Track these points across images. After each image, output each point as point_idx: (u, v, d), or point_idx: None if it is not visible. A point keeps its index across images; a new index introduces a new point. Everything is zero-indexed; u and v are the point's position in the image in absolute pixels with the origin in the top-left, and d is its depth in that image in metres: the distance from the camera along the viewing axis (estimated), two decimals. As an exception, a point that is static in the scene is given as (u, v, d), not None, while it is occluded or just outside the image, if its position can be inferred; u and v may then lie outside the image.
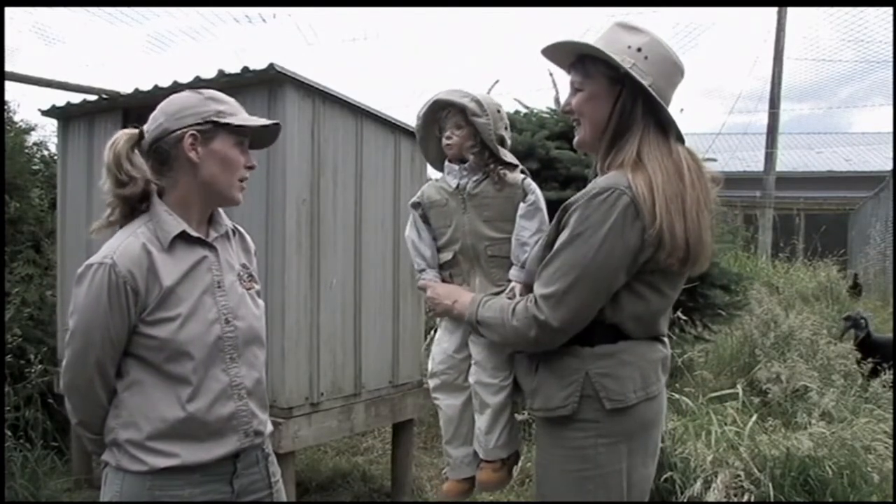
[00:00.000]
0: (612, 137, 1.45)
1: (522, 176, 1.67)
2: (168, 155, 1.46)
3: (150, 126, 1.47)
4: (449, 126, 1.68)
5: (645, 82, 1.40)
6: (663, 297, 1.45)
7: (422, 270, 1.73)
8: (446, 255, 1.70)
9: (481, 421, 1.63)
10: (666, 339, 1.53)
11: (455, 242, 1.67)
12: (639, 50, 1.43)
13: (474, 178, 1.66)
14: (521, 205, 1.62)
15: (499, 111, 1.68)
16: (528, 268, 1.54)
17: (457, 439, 1.70)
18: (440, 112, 1.70)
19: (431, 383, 1.72)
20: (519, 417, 2.18)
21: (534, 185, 1.66)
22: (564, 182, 4.27)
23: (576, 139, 1.55)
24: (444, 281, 1.71)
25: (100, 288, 1.37)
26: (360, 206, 3.27)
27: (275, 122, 1.56)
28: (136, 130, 1.48)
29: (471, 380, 1.63)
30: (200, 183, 1.47)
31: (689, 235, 1.36)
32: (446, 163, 1.71)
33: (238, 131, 1.50)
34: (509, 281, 1.62)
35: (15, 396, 3.69)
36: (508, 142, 1.72)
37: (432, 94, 1.71)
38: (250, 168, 1.53)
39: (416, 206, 1.75)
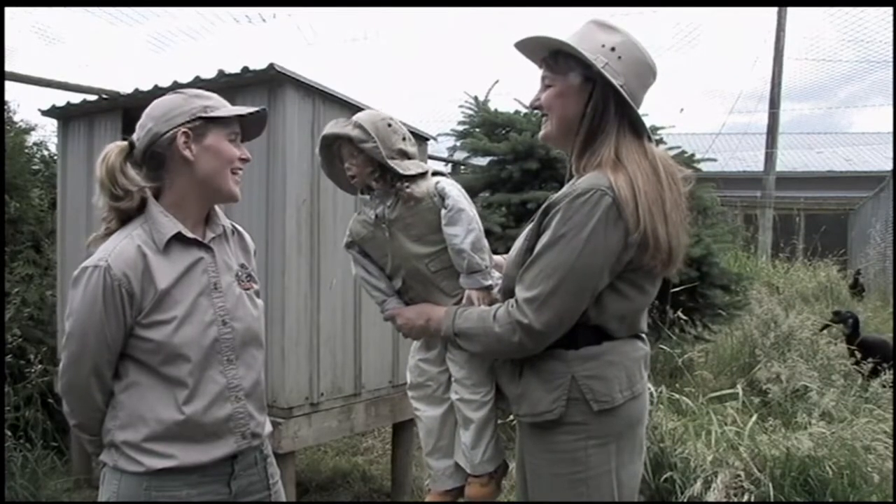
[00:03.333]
0: (586, 137, 1.44)
1: (435, 180, 1.60)
2: (163, 158, 1.46)
3: (140, 133, 1.47)
4: (345, 157, 1.64)
5: (617, 82, 1.39)
6: (645, 294, 1.45)
7: (383, 302, 1.70)
8: (398, 283, 1.67)
9: (466, 437, 1.60)
10: (645, 336, 1.53)
11: (398, 269, 1.64)
12: (612, 49, 1.42)
13: (388, 203, 1.61)
14: (443, 212, 1.56)
15: (390, 125, 1.62)
16: (507, 272, 1.52)
17: (437, 451, 1.68)
18: (333, 145, 1.66)
19: (411, 394, 1.71)
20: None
21: (448, 187, 1.58)
22: (564, 182, 4.27)
23: (541, 133, 1.54)
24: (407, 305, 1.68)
25: (95, 291, 1.37)
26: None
27: (261, 108, 1.55)
28: (126, 142, 1.48)
29: (452, 397, 1.61)
30: (198, 181, 1.47)
31: (671, 238, 1.37)
32: (359, 194, 1.68)
33: (229, 124, 1.49)
34: (463, 289, 1.59)
35: (15, 396, 3.69)
36: (411, 149, 1.64)
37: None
38: (245, 160, 1.53)
39: (350, 245, 1.71)
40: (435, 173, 1.64)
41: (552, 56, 1.47)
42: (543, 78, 1.50)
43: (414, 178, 1.59)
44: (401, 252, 1.61)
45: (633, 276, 1.40)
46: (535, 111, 1.74)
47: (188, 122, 1.45)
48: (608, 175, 1.35)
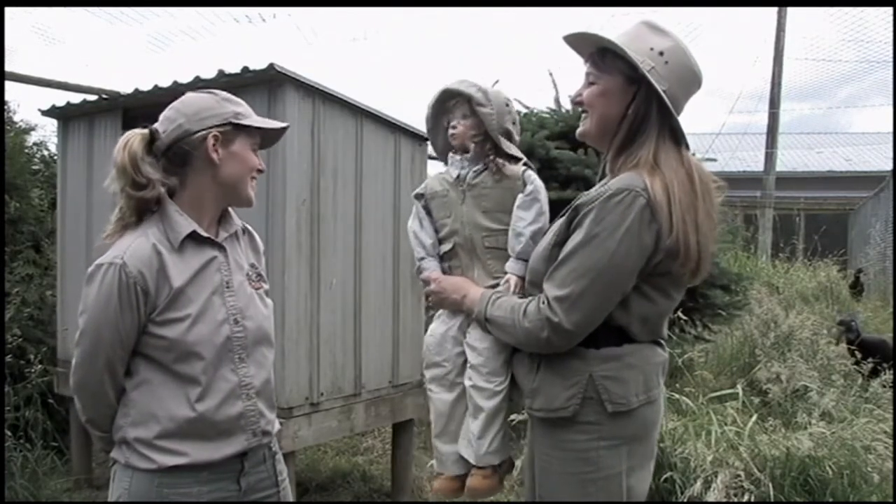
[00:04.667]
0: (625, 139, 1.43)
1: (524, 168, 1.65)
2: (189, 156, 1.46)
3: (168, 126, 1.46)
4: (455, 116, 1.69)
5: (661, 87, 1.39)
6: (670, 299, 1.45)
7: (422, 259, 1.72)
8: (446, 247, 1.69)
9: (474, 426, 1.61)
10: (665, 343, 1.53)
11: (454, 234, 1.67)
12: (661, 54, 1.42)
13: (474, 169, 1.66)
14: (520, 196, 1.61)
15: (507, 105, 1.68)
16: (532, 265, 1.52)
17: (446, 435, 1.68)
18: (449, 102, 1.71)
19: (427, 374, 1.71)
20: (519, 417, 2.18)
21: (535, 177, 1.64)
22: (564, 182, 4.27)
23: (580, 129, 1.54)
24: (443, 272, 1.70)
25: (110, 288, 1.38)
26: (360, 206, 3.27)
27: (286, 125, 1.58)
28: (147, 130, 1.47)
29: (466, 383, 1.62)
30: (219, 183, 1.48)
31: (701, 248, 1.37)
32: (450, 154, 1.72)
33: (254, 134, 1.52)
34: (506, 273, 1.61)
35: (15, 396, 3.69)
36: (516, 137, 1.71)
37: (428, 98, 1.73)
38: (260, 171, 1.55)
39: (419, 196, 1.76)
40: (525, 163, 1.69)
41: (599, 53, 1.47)
42: (588, 74, 1.50)
43: (509, 158, 1.66)
44: (465, 217, 1.65)
45: (660, 280, 1.40)
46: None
47: (220, 125, 1.46)
48: (644, 177, 1.35)
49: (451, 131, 1.69)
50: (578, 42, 1.50)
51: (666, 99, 1.39)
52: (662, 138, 1.41)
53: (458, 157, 1.69)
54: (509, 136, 1.68)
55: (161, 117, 1.49)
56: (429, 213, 1.73)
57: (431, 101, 1.73)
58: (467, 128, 1.66)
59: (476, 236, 1.64)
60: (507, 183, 1.63)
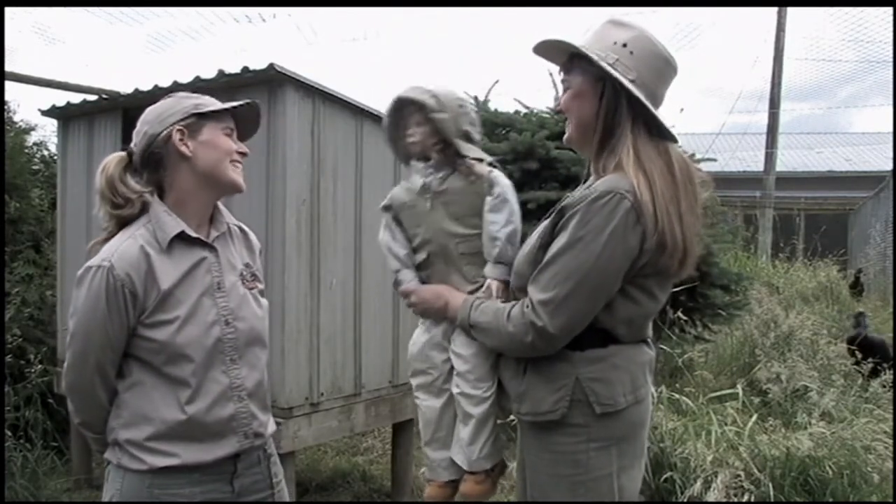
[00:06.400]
0: (602, 137, 1.42)
1: (488, 169, 1.61)
2: (161, 157, 1.47)
3: (137, 139, 1.49)
4: (411, 124, 1.65)
5: (628, 77, 1.38)
6: (655, 300, 1.45)
7: (397, 271, 1.70)
8: (421, 256, 1.67)
9: (464, 432, 1.60)
10: (651, 342, 1.53)
11: (427, 243, 1.64)
12: (624, 45, 1.40)
13: (439, 176, 1.62)
14: (488, 199, 1.57)
15: (462, 106, 1.63)
16: (517, 269, 1.51)
17: (435, 442, 1.68)
18: (404, 110, 1.67)
19: (414, 382, 1.70)
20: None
21: (501, 177, 1.60)
22: (564, 182, 4.27)
23: (565, 136, 1.54)
24: (421, 282, 1.67)
25: (98, 291, 1.38)
26: (360, 206, 3.26)
27: (249, 101, 1.55)
28: (124, 152, 1.50)
29: (454, 390, 1.61)
30: (199, 175, 1.48)
31: (686, 238, 1.37)
32: (412, 162, 1.68)
33: (222, 119, 1.51)
34: (484, 277, 1.59)
35: (15, 396, 3.69)
36: (476, 137, 1.67)
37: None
38: (242, 154, 1.54)
39: (387, 208, 1.72)
40: (490, 164, 1.65)
41: (569, 59, 1.47)
42: (563, 81, 1.50)
43: (474, 161, 1.62)
44: (435, 226, 1.62)
45: (644, 281, 1.40)
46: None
47: (182, 119, 1.46)
48: (629, 178, 1.34)
49: (409, 139, 1.65)
50: (548, 51, 1.49)
51: (633, 89, 1.37)
52: (637, 129, 1.39)
53: (420, 166, 1.65)
54: (469, 138, 1.64)
55: (133, 134, 1.51)
56: (399, 223, 1.70)
57: (387, 111, 1.69)
58: (424, 136, 1.62)
59: (449, 243, 1.61)
60: (474, 186, 1.59)
